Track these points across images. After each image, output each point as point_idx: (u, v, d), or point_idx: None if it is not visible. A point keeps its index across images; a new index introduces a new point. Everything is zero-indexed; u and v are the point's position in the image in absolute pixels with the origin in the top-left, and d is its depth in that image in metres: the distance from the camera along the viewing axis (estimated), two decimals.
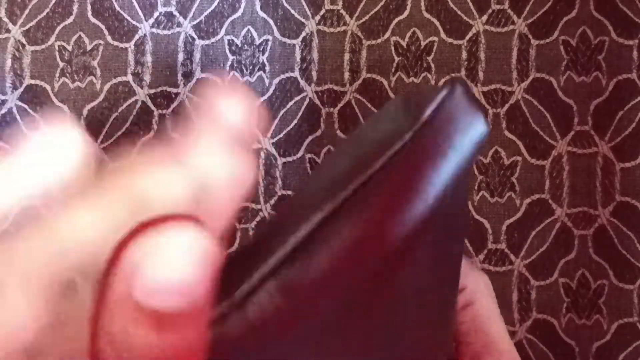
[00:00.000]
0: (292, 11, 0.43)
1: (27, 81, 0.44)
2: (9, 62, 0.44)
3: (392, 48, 0.43)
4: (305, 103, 0.43)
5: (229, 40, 0.43)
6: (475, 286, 0.26)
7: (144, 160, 0.15)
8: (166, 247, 0.11)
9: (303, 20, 0.43)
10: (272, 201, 0.42)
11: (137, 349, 0.11)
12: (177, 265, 0.11)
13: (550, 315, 0.41)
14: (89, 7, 0.44)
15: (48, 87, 0.43)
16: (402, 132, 0.17)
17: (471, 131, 0.18)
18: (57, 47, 0.44)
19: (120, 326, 0.12)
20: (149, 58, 0.43)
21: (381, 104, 0.42)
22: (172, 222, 0.11)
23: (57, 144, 0.14)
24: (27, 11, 0.44)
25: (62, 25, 0.44)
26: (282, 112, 0.43)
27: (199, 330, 0.12)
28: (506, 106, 0.42)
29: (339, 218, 0.16)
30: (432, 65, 0.42)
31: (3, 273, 0.13)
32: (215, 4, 0.43)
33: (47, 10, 0.44)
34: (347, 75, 0.43)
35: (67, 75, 0.43)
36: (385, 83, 0.42)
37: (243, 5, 0.43)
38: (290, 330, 0.16)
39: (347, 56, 0.43)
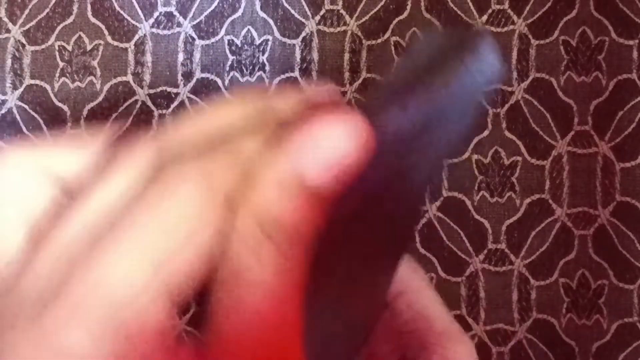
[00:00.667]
0: (292, 11, 0.43)
1: (27, 81, 0.44)
2: (9, 62, 0.44)
3: (392, 48, 0.43)
4: None
5: (229, 40, 0.43)
6: (404, 273, 0.25)
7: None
8: (332, 135, 0.12)
9: (303, 20, 0.43)
10: None
11: (282, 220, 0.12)
12: (341, 152, 0.12)
13: (550, 315, 0.41)
14: (89, 7, 0.44)
15: (48, 87, 0.43)
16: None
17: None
18: (57, 47, 0.44)
19: (274, 197, 0.12)
20: (149, 58, 0.43)
21: None
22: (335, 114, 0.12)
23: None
24: (27, 11, 0.44)
25: (62, 25, 0.44)
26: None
27: (337, 216, 0.13)
28: (506, 106, 0.42)
29: None
30: None
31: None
32: (215, 4, 0.43)
33: (47, 10, 0.44)
34: (347, 75, 0.43)
35: (67, 75, 0.43)
36: None
37: (243, 5, 0.43)
38: None
39: (347, 56, 0.43)
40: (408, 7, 0.43)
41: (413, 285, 0.24)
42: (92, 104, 0.43)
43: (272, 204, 0.12)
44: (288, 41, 0.43)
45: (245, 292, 0.12)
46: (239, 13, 0.43)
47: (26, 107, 0.43)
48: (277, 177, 0.12)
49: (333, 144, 0.12)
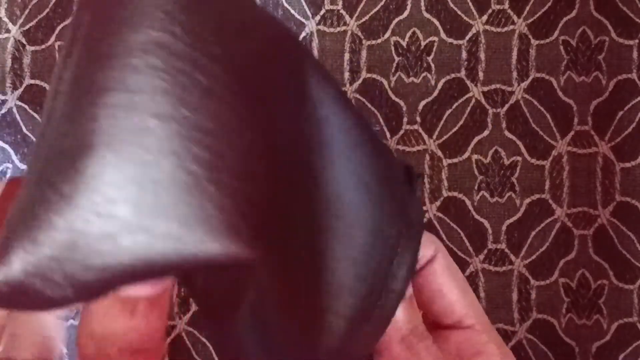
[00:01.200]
0: (292, 11, 0.43)
1: (27, 81, 0.44)
2: (9, 62, 0.44)
3: (392, 48, 0.43)
4: None
5: None
6: (434, 238, 0.22)
7: None
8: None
9: (303, 20, 0.43)
10: None
11: (113, 334, 0.14)
12: None
13: (550, 315, 0.41)
14: None
15: (48, 87, 0.43)
16: None
17: None
18: (57, 47, 0.44)
19: (100, 317, 0.15)
20: None
21: (381, 104, 0.42)
22: None
23: None
24: (27, 11, 0.44)
25: (62, 25, 0.44)
26: None
27: (160, 316, 0.15)
28: (506, 106, 0.42)
29: None
30: (432, 65, 0.42)
31: None
32: None
33: (47, 10, 0.44)
34: (347, 75, 0.43)
35: None
36: (385, 83, 0.42)
37: None
38: None
39: (347, 56, 0.43)
40: (408, 7, 0.43)
41: (443, 254, 0.22)
42: None
43: (109, 323, 0.15)
44: None
45: None
46: None
47: (26, 107, 0.43)
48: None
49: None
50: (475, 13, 0.42)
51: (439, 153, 0.42)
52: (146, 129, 0.14)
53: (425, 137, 0.42)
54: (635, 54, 0.41)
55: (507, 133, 0.42)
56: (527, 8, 0.42)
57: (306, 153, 0.18)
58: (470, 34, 0.42)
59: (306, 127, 0.18)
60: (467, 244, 0.41)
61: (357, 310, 0.18)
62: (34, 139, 0.43)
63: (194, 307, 0.42)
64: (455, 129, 0.42)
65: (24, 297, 0.14)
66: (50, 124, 0.15)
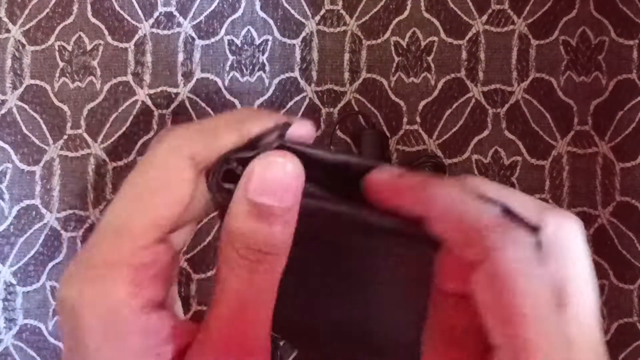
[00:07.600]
0: (292, 11, 0.43)
1: (27, 81, 0.44)
2: (9, 62, 0.44)
3: (392, 48, 0.43)
4: (305, 103, 0.43)
5: (229, 40, 0.43)
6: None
7: None
8: (274, 166, 0.16)
9: (303, 20, 0.43)
10: None
11: (243, 234, 0.16)
12: (279, 179, 0.16)
13: None
14: (89, 7, 0.44)
15: (48, 87, 0.43)
16: None
17: None
18: (57, 47, 0.44)
19: (234, 218, 0.16)
20: (149, 58, 0.43)
21: (381, 104, 0.42)
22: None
23: None
24: (27, 11, 0.44)
25: (62, 25, 0.44)
26: (282, 112, 0.43)
27: (286, 229, 0.16)
28: (506, 106, 0.42)
29: None
30: (432, 65, 0.42)
31: None
32: (215, 4, 0.43)
33: (47, 10, 0.44)
34: (347, 75, 0.43)
35: (67, 75, 0.43)
36: (385, 83, 0.42)
37: (243, 5, 0.43)
38: None
39: (347, 56, 0.43)
40: (408, 7, 0.43)
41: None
42: (92, 104, 0.43)
43: (239, 223, 0.16)
44: (288, 41, 0.43)
45: (224, 296, 0.16)
46: (239, 13, 0.43)
47: (26, 107, 0.43)
48: (235, 201, 0.16)
49: (275, 176, 0.16)
50: (475, 13, 0.42)
51: (439, 153, 0.42)
52: None
53: (425, 137, 0.42)
54: (635, 54, 0.41)
55: (507, 133, 0.42)
56: (527, 8, 0.42)
57: None
58: (470, 34, 0.42)
59: None
60: None
61: None
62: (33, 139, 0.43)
63: (194, 307, 0.42)
64: (455, 129, 0.42)
65: None
66: None
